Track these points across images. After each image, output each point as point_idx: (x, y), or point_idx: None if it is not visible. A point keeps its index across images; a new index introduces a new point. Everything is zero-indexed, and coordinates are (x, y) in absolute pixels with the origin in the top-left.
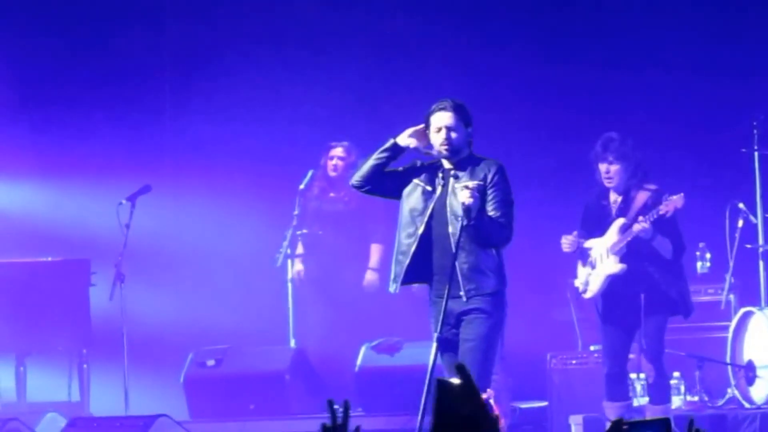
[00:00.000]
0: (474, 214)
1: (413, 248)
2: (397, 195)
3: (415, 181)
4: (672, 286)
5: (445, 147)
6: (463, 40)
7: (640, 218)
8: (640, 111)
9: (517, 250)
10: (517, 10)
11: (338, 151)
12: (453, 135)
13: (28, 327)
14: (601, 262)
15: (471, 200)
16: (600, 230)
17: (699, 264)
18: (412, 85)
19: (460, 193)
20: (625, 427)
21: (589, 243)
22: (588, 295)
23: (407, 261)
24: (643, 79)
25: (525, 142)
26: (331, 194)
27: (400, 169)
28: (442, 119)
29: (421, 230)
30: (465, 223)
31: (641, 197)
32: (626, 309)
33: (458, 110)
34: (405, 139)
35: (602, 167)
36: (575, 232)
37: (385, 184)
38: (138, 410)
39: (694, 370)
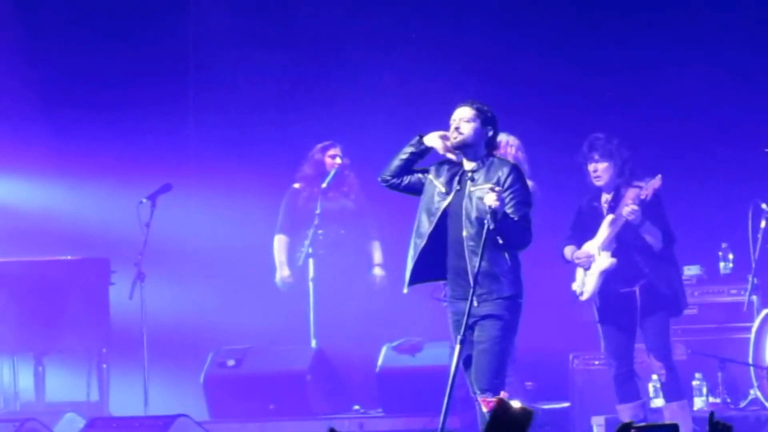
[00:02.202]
0: (500, 216)
1: (420, 248)
2: (418, 194)
3: (434, 181)
4: (663, 281)
5: (455, 136)
6: (480, 43)
7: (629, 201)
8: (661, 111)
9: (538, 251)
10: (534, 13)
11: (338, 150)
12: (465, 126)
13: (47, 326)
14: (594, 261)
15: (497, 203)
16: (593, 233)
17: (722, 264)
18: (431, 88)
19: (487, 196)
20: (632, 430)
21: (584, 247)
22: (585, 296)
23: (414, 261)
24: (664, 79)
25: (547, 141)
26: (330, 193)
27: (428, 167)
28: (458, 113)
29: (430, 231)
30: (492, 226)
31: (630, 194)
32: (622, 305)
33: (477, 108)
34: (431, 139)
35: (590, 167)
36: (568, 248)
37: (410, 181)
38: (157, 410)
39: (717, 371)
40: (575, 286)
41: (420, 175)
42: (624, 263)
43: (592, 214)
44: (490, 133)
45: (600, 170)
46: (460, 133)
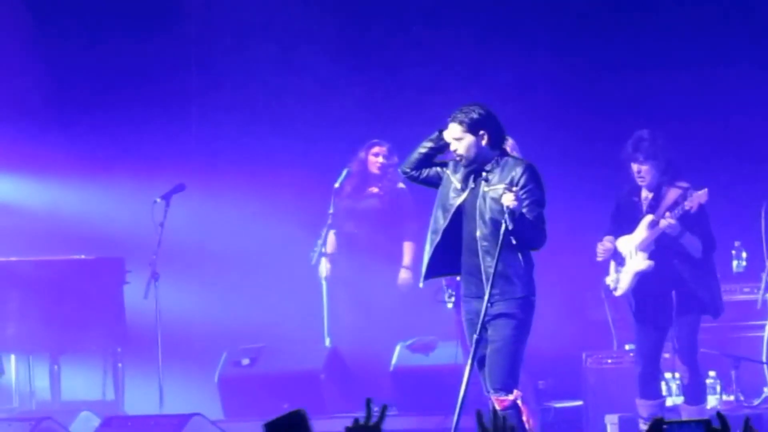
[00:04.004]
0: (517, 216)
1: (435, 244)
2: (435, 187)
3: (451, 176)
4: (701, 285)
5: (458, 159)
6: (493, 40)
7: (667, 214)
8: (674, 110)
9: (552, 250)
10: (550, 10)
11: (384, 149)
12: (459, 146)
13: (63, 325)
14: (630, 258)
15: (515, 203)
16: (630, 226)
17: (735, 263)
18: (442, 86)
19: (504, 196)
20: (665, 426)
21: (620, 241)
22: (618, 292)
23: (429, 256)
24: (679, 79)
25: (559, 140)
26: (373, 189)
27: (447, 161)
28: (450, 131)
29: (444, 226)
30: (510, 226)
31: (672, 194)
32: (658, 307)
33: (464, 122)
34: (449, 135)
35: (634, 167)
36: (606, 238)
37: (429, 174)
38: (172, 409)
39: (730, 370)
40: (609, 280)
41: (439, 169)
42: (662, 265)
43: (631, 208)
44: (485, 136)
45: (644, 171)
46: (460, 156)
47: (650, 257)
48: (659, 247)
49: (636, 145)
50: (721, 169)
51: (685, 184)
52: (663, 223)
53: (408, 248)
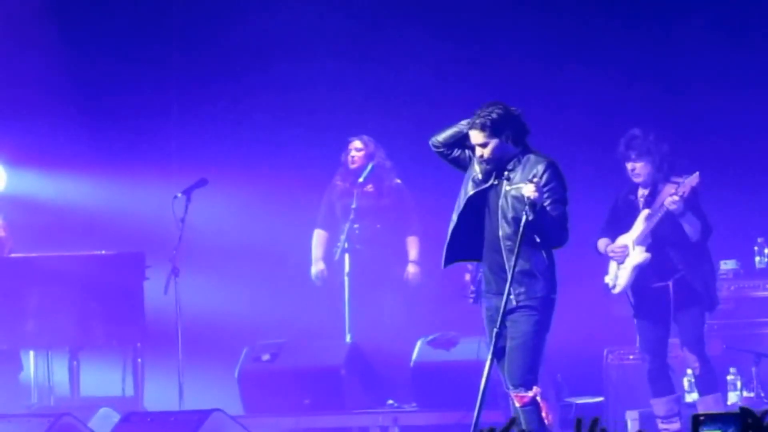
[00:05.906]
0: (538, 208)
1: (452, 228)
2: (463, 169)
3: (476, 165)
4: (697, 276)
5: (485, 166)
6: (493, 41)
7: (671, 191)
8: (697, 106)
9: (573, 246)
10: (553, 11)
11: (355, 144)
12: (485, 153)
13: (82, 321)
14: (627, 255)
15: (536, 194)
16: (629, 226)
17: (757, 259)
18: (440, 84)
19: (525, 187)
20: (701, 417)
21: (619, 240)
22: (617, 290)
23: (448, 240)
24: (699, 74)
25: (580, 135)
26: (368, 187)
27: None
28: (473, 138)
29: (459, 212)
30: (530, 217)
31: (668, 190)
32: (656, 300)
33: (487, 126)
34: (473, 141)
35: (628, 165)
36: (602, 241)
37: (459, 155)
38: (192, 405)
39: (751, 366)
40: (608, 279)
41: (470, 153)
42: (658, 258)
43: (628, 207)
44: (509, 136)
45: (638, 168)
46: (487, 161)
47: (647, 250)
48: (656, 239)
49: (628, 143)
50: (744, 166)
51: (680, 179)
52: (669, 200)
53: (412, 243)
